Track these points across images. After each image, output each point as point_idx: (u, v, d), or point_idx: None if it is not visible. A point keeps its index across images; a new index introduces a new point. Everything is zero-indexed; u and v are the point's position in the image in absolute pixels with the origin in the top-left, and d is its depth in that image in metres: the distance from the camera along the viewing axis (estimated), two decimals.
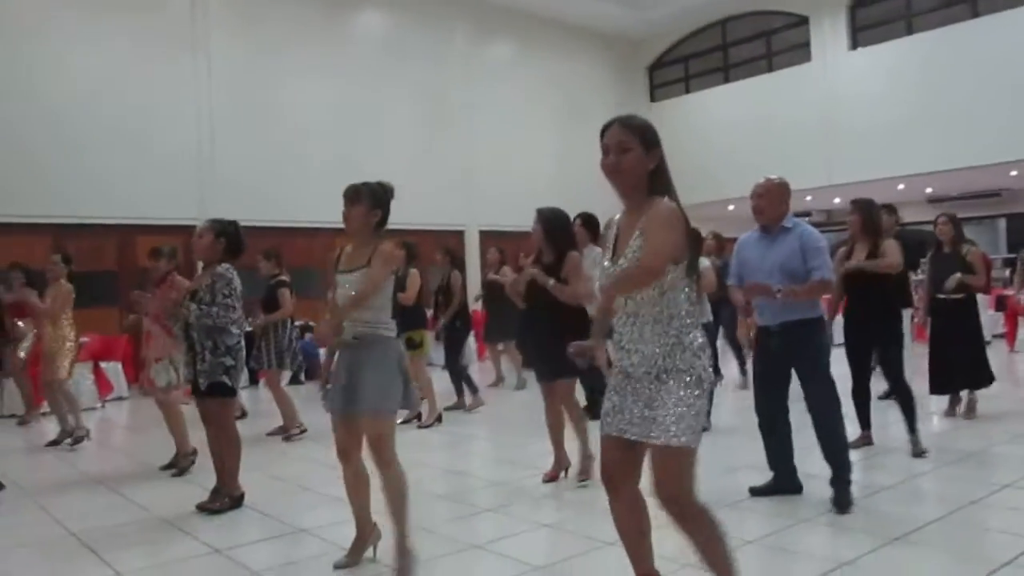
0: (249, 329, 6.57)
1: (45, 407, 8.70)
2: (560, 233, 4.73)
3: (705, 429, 5.98)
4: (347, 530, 3.80)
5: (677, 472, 2.46)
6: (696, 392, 2.46)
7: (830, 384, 4.20)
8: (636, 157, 2.54)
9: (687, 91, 17.59)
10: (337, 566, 3.51)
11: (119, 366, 10.04)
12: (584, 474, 4.83)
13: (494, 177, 15.01)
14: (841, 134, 14.58)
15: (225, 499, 4.55)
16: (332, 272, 3.58)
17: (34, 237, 10.46)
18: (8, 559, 3.90)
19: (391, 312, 3.50)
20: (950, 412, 6.56)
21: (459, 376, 7.94)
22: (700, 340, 2.52)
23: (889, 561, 3.35)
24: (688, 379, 2.46)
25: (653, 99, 18.01)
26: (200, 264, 4.82)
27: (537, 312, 4.83)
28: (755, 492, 4.40)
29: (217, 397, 4.56)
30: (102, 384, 9.56)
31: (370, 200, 3.48)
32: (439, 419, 7.18)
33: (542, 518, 4.19)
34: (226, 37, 12.34)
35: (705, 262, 6.58)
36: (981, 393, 6.53)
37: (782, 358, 4.25)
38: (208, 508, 4.48)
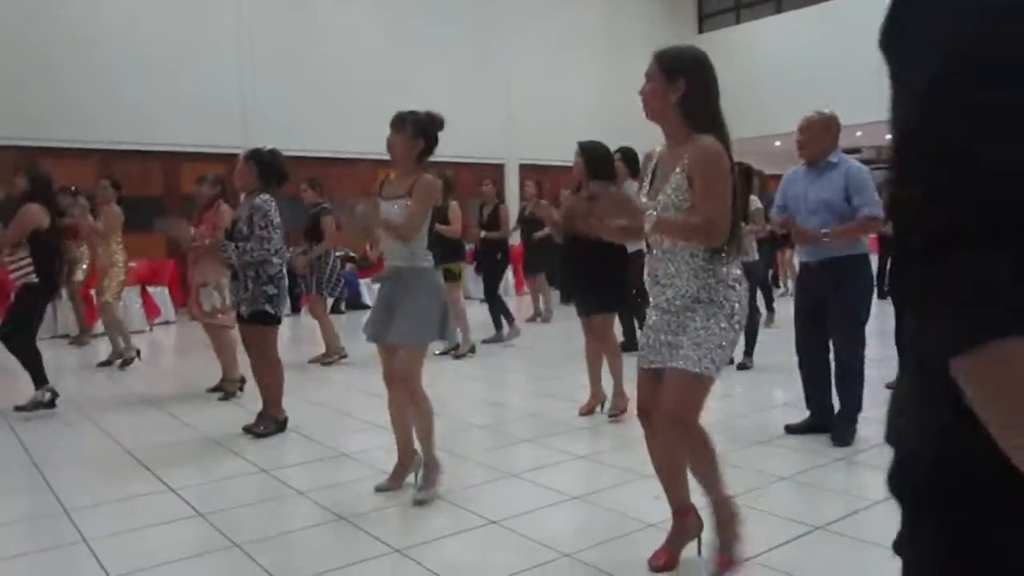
0: (292, 256, 6.64)
1: (98, 328, 9.02)
2: (601, 166, 4.66)
3: (733, 363, 6.04)
4: (385, 455, 3.93)
5: (690, 398, 2.52)
6: (723, 325, 2.49)
7: (858, 327, 4.18)
8: (656, 87, 2.51)
9: (738, 21, 17.02)
10: (378, 489, 3.63)
11: (166, 290, 10.30)
12: (616, 410, 4.88)
13: (536, 110, 14.78)
14: None
15: (270, 423, 4.70)
16: (376, 198, 3.62)
17: (81, 162, 10.65)
18: (67, 472, 4.09)
19: (427, 243, 3.55)
20: None
21: (499, 308, 7.99)
22: (736, 272, 2.55)
23: None
24: (717, 311, 2.49)
25: (701, 30, 17.46)
26: (242, 195, 4.86)
27: (577, 246, 4.80)
28: (790, 430, 4.42)
29: (259, 324, 4.66)
30: (149, 308, 9.82)
31: (413, 128, 3.51)
32: (472, 350, 7.28)
33: (578, 450, 4.26)
34: None
35: (757, 203, 6.51)
36: None
37: (822, 295, 4.22)
38: (254, 431, 4.63)
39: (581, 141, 4.76)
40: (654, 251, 2.62)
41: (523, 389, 6.18)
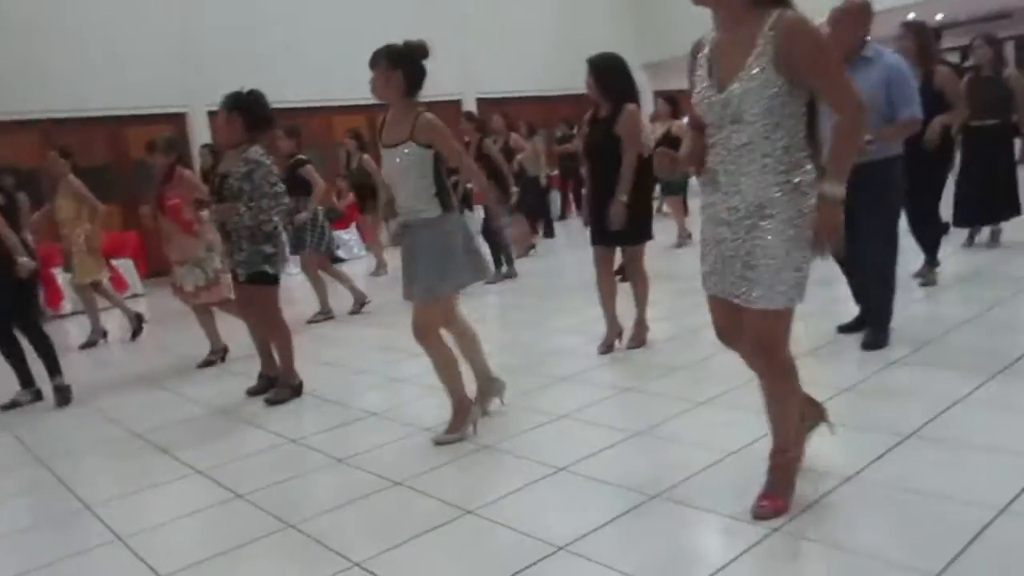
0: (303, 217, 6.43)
1: (62, 308, 8.58)
2: (617, 81, 4.27)
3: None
4: (419, 409, 3.80)
5: (775, 332, 2.34)
6: (800, 241, 2.24)
7: (892, 234, 4.01)
8: None
9: None
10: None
11: (131, 263, 9.76)
12: (636, 342, 4.65)
13: (490, 39, 14.13)
14: None
15: (285, 389, 4.43)
16: (377, 144, 3.46)
17: (21, 135, 9.96)
18: (83, 464, 3.80)
19: (434, 190, 3.36)
20: (968, 243, 6.49)
21: (501, 246, 7.78)
22: (810, 177, 2.26)
23: (1001, 395, 3.24)
24: (789, 226, 2.23)
25: None
26: (198, 152, 4.52)
27: (602, 174, 4.40)
28: (843, 329, 4.35)
29: (259, 285, 4.34)
30: (117, 282, 9.29)
31: (387, 62, 3.31)
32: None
33: (621, 382, 4.06)
34: None
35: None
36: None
37: (854, 198, 4.01)
38: (273, 400, 4.35)
39: (590, 58, 4.32)
40: (718, 150, 2.32)
41: (540, 326, 5.72)
